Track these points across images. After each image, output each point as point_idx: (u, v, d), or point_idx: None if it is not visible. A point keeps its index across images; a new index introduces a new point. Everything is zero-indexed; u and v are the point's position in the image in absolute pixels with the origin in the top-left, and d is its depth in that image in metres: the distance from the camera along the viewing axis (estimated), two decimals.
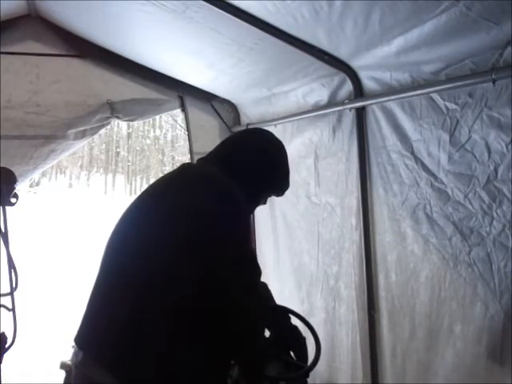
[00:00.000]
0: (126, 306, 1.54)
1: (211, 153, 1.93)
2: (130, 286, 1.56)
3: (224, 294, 1.52)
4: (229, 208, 1.62)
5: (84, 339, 1.63)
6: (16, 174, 2.73)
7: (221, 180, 1.73)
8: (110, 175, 40.13)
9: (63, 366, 3.11)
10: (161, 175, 2.04)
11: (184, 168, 1.87)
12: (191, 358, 1.54)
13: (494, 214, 2.05)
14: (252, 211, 2.02)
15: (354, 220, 2.89)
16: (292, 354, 2.02)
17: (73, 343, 1.65)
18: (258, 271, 1.65)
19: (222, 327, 1.55)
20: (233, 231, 1.60)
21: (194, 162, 2.15)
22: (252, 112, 3.89)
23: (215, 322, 1.53)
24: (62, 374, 3.02)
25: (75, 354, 1.64)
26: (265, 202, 2.02)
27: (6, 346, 2.56)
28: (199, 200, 1.62)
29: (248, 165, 1.84)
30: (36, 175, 3.85)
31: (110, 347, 1.54)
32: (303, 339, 2.05)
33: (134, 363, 1.52)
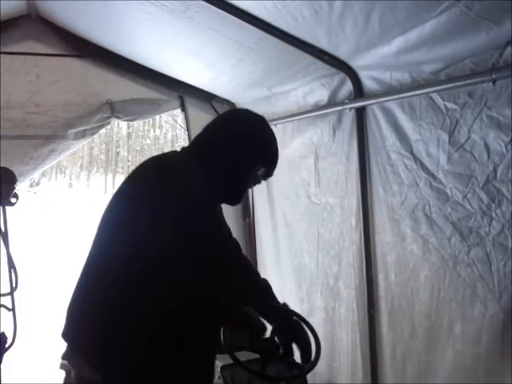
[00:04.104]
0: (99, 302, 1.56)
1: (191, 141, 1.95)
2: (102, 283, 1.59)
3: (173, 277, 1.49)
4: (165, 187, 1.55)
5: (69, 333, 1.65)
6: (16, 173, 2.73)
7: (169, 162, 1.69)
8: (109, 175, 40.09)
9: (63, 366, 3.11)
10: None
11: (149, 157, 1.83)
12: (174, 353, 1.57)
13: (493, 215, 2.05)
14: (234, 193, 1.85)
15: (353, 220, 2.89)
16: (295, 347, 2.00)
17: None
18: (197, 248, 1.50)
19: (197, 317, 1.55)
20: (167, 209, 1.51)
21: None
22: None
23: (188, 313, 1.53)
24: (62, 374, 3.02)
25: (64, 349, 1.67)
26: (255, 182, 1.87)
27: (6, 345, 2.56)
28: (138, 185, 1.62)
29: (217, 144, 1.77)
30: (36, 175, 3.85)
31: (93, 342, 1.56)
32: (304, 332, 2.02)
33: (117, 358, 1.53)
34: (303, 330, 1.97)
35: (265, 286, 2.03)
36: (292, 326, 1.94)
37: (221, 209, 1.92)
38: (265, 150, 1.81)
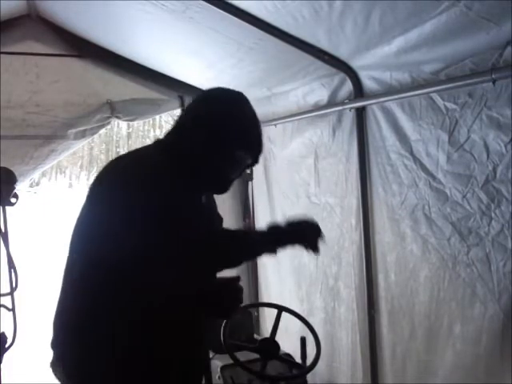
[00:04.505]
0: (75, 313, 1.51)
1: None
2: (66, 287, 1.56)
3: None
4: (128, 189, 1.44)
5: (53, 344, 1.62)
6: (16, 173, 2.73)
7: (132, 162, 1.56)
8: None
9: None
10: None
11: (115, 158, 1.75)
12: (159, 363, 1.49)
13: (493, 215, 2.05)
14: (216, 181, 1.65)
15: (353, 220, 2.89)
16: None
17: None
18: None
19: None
20: (132, 212, 1.39)
21: None
22: None
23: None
24: None
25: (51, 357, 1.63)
26: (238, 168, 1.66)
27: (6, 345, 2.56)
28: (102, 189, 1.53)
29: (190, 128, 1.60)
30: (36, 175, 3.85)
31: (74, 356, 1.52)
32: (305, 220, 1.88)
33: (98, 375, 1.48)
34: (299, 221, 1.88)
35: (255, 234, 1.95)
36: (294, 225, 1.87)
37: (212, 199, 1.80)
38: (242, 131, 1.60)
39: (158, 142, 1.69)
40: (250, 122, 1.66)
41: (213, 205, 1.82)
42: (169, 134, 1.68)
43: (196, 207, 1.62)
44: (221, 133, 1.56)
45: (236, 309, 1.46)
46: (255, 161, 1.68)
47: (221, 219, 1.85)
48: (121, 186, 1.45)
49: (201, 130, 1.57)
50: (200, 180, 1.61)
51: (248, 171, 3.99)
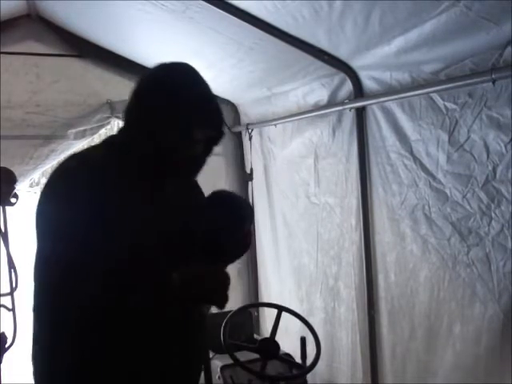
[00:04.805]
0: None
1: None
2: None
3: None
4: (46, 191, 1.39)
5: (34, 378, 1.51)
6: (16, 173, 2.73)
7: (64, 163, 1.44)
8: None
9: None
10: None
11: (60, 163, 1.58)
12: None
13: (493, 215, 2.05)
14: (174, 164, 1.46)
15: (353, 220, 2.89)
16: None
17: None
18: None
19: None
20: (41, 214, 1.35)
21: None
22: (252, 112, 3.89)
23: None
24: None
25: None
26: (197, 146, 1.46)
27: (6, 345, 2.56)
28: (47, 199, 1.41)
29: (131, 116, 1.48)
30: (36, 175, 3.85)
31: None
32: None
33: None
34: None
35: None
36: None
37: (190, 185, 1.65)
38: (189, 102, 1.42)
39: (108, 138, 1.57)
40: (198, 92, 1.46)
41: (187, 190, 1.64)
42: (120, 128, 1.56)
43: (150, 199, 1.45)
44: (167, 107, 1.39)
45: (225, 292, 1.35)
46: (217, 135, 1.50)
47: (202, 196, 1.68)
48: (57, 192, 1.37)
49: (145, 108, 1.42)
50: (155, 166, 1.44)
51: (248, 171, 4.00)
